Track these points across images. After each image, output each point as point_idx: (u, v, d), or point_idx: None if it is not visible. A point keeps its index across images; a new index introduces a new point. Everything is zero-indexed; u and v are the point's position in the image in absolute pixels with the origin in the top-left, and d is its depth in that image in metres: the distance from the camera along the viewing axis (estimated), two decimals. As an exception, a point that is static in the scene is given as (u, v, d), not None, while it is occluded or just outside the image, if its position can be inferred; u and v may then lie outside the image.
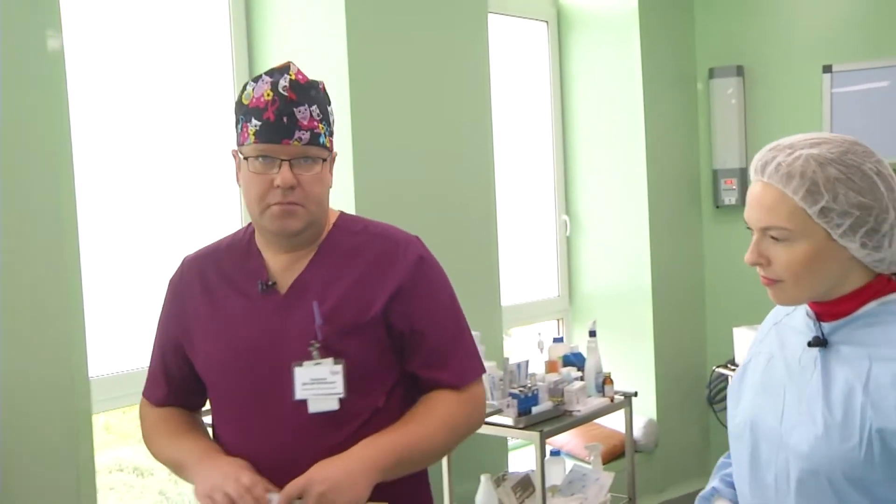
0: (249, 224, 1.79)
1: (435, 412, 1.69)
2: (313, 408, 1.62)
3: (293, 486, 1.54)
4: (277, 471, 1.59)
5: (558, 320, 4.62)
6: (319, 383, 1.61)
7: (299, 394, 1.62)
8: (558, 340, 3.61)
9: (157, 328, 1.83)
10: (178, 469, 1.74)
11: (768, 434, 1.48)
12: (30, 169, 2.33)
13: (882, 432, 1.33)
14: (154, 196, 2.96)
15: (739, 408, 1.56)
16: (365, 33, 3.14)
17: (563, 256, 4.64)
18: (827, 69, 4.32)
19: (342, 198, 3.01)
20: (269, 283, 1.69)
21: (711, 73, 4.63)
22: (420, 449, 1.66)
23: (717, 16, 4.69)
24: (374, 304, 1.67)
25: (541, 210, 4.55)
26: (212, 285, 1.74)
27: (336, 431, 1.64)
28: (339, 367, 1.62)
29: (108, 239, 2.79)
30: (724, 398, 4.49)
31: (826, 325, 1.44)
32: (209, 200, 3.13)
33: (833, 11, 4.46)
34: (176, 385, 1.80)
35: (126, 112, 2.89)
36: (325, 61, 3.09)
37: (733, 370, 4.10)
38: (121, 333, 2.79)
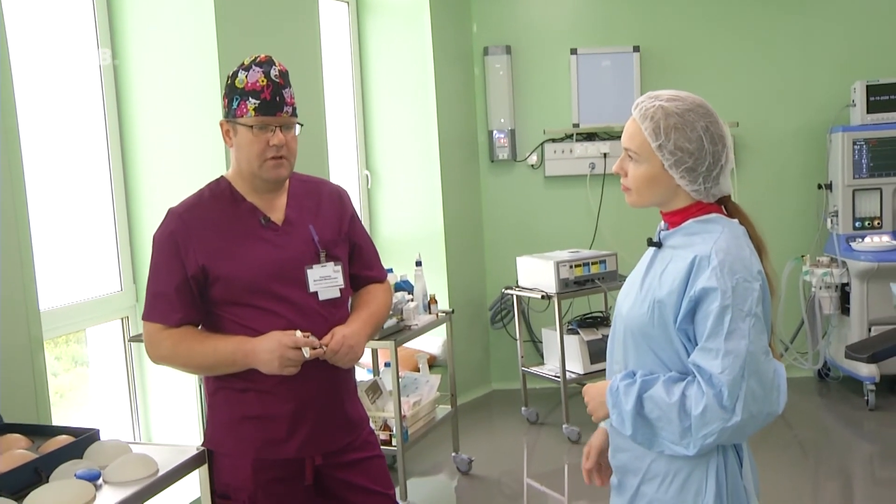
0: (219, 179, 2.33)
1: (378, 296, 2.46)
2: (323, 296, 2.28)
3: (333, 342, 2.20)
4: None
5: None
6: (326, 279, 2.29)
7: (312, 287, 2.27)
8: (388, 271, 4.35)
9: (161, 269, 2.23)
10: (223, 366, 2.20)
11: (617, 309, 1.96)
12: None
13: (659, 303, 1.80)
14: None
15: None
16: (233, 18, 3.56)
17: (365, 206, 5.37)
18: (573, 51, 5.46)
19: (220, 162, 3.33)
20: (267, 217, 2.29)
21: (486, 51, 5.54)
22: (380, 319, 2.43)
23: (489, 4, 5.58)
24: (343, 226, 2.39)
25: (345, 166, 5.22)
26: (219, 223, 2.24)
27: (337, 311, 2.32)
28: (339, 267, 2.32)
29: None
30: (504, 317, 5.48)
31: (664, 233, 1.88)
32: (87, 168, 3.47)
33: (578, 7, 5.60)
34: (189, 307, 2.22)
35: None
36: (195, 48, 3.40)
37: (519, 290, 5.06)
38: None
